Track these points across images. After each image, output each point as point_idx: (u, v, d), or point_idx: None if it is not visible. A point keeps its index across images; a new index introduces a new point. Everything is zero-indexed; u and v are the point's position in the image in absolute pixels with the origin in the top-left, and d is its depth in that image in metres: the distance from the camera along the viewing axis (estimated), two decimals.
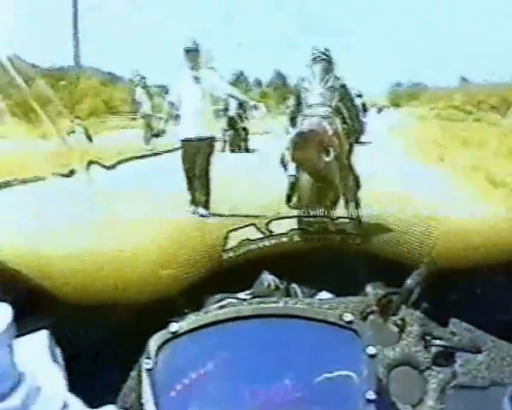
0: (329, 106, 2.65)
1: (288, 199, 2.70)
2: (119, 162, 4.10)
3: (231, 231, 1.00)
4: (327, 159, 2.42)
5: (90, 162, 1.35)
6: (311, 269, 0.98)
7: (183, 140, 3.89)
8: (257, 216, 1.36)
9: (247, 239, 1.01)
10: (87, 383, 0.81)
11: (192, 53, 3.85)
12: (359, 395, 0.69)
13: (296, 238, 1.03)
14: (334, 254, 1.01)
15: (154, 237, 1.06)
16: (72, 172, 1.26)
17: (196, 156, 3.84)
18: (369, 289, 0.96)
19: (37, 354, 0.69)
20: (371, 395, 0.68)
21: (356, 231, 1.01)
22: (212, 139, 3.94)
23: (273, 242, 1.02)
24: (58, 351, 0.72)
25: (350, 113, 2.76)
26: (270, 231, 1.03)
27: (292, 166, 2.68)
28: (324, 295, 0.97)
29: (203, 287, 0.95)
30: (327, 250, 1.02)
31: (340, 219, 1.13)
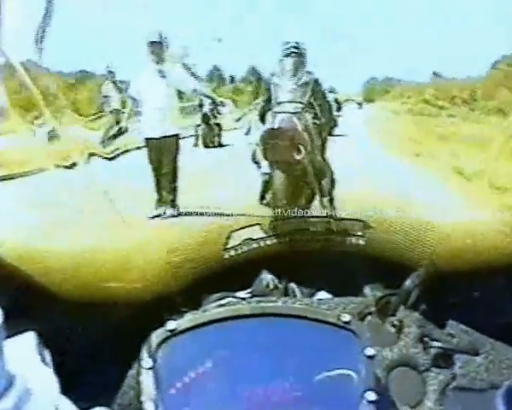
0: (300, 102, 2.59)
1: (262, 197, 2.65)
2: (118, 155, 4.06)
3: (235, 230, 1.00)
4: (298, 157, 2.38)
5: (91, 155, 1.35)
6: (311, 269, 0.99)
7: (147, 138, 3.77)
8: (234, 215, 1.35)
9: (250, 239, 1.01)
10: (85, 381, 0.81)
11: (156, 46, 3.66)
12: (358, 394, 0.69)
13: (298, 238, 1.03)
14: (334, 255, 1.01)
15: (154, 235, 1.07)
16: (73, 165, 1.26)
17: (162, 155, 3.72)
18: (367, 290, 0.97)
19: (26, 356, 0.68)
20: (371, 396, 0.69)
21: (359, 232, 1.01)
22: (177, 137, 3.82)
23: (275, 241, 1.02)
24: (46, 352, 0.71)
25: (322, 108, 2.70)
26: (274, 231, 1.03)
27: (265, 164, 2.63)
28: (323, 295, 0.97)
29: (204, 285, 0.95)
30: (327, 251, 1.02)
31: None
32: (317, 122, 2.62)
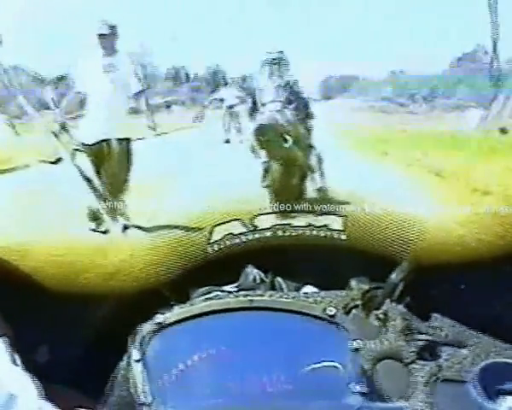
0: (281, 101, 2.75)
1: (263, 181, 2.84)
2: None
3: (217, 225, 1.00)
4: (286, 145, 2.55)
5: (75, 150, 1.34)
6: (294, 263, 0.99)
7: (94, 143, 3.33)
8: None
9: (231, 233, 1.01)
10: (78, 372, 0.80)
11: (106, 37, 3.25)
12: (345, 386, 0.70)
13: (280, 233, 1.03)
14: (319, 249, 1.01)
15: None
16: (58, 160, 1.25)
17: (113, 161, 3.29)
18: (353, 283, 0.97)
19: (1, 363, 0.69)
20: (358, 388, 0.70)
21: (341, 227, 1.01)
22: (128, 141, 3.40)
23: (256, 236, 1.02)
24: (16, 356, 0.71)
25: (298, 105, 2.82)
26: (255, 226, 1.03)
27: (263, 154, 2.83)
28: (309, 289, 0.97)
29: (189, 279, 0.95)
30: (312, 245, 1.02)
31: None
32: (296, 114, 2.75)
